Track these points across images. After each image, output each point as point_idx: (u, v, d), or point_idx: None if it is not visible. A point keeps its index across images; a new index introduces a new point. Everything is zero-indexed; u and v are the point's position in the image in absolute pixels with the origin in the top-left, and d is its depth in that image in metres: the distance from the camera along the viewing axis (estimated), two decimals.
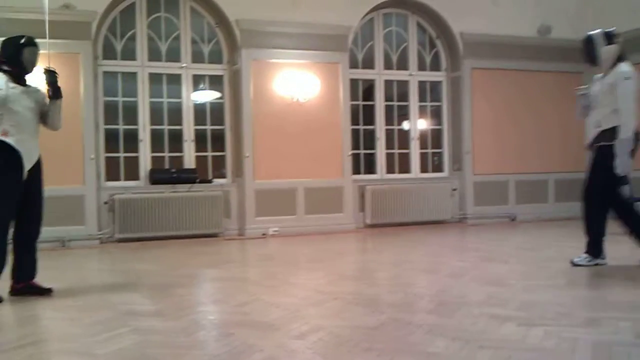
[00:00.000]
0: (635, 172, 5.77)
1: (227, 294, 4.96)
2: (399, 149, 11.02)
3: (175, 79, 9.77)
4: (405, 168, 11.04)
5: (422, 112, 11.25)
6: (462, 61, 10.98)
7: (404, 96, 11.06)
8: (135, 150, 9.50)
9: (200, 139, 9.87)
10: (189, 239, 9.17)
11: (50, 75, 5.11)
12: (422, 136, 11.20)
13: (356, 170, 10.52)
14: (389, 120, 10.95)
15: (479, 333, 3.38)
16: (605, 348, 3.03)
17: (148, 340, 3.39)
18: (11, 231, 4.85)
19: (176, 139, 9.74)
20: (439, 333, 3.39)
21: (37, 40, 5.26)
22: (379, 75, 10.88)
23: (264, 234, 9.55)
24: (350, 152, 10.25)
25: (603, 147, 5.46)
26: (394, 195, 10.47)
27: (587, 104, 5.73)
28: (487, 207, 10.99)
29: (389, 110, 10.93)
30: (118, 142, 9.49)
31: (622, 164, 5.32)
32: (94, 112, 9.02)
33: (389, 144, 10.94)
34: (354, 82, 10.57)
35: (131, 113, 9.52)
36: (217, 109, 10.03)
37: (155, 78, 9.69)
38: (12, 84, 4.83)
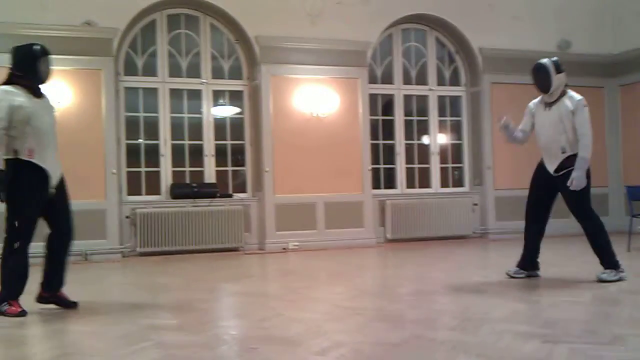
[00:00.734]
0: None
1: (248, 308, 4.95)
2: (419, 163, 11.00)
3: (195, 95, 9.85)
4: (425, 183, 11.00)
5: (441, 126, 11.23)
6: (481, 76, 10.96)
7: (423, 111, 11.05)
8: (157, 164, 9.57)
9: (220, 154, 9.92)
10: (209, 253, 9.19)
11: None
12: (442, 151, 11.16)
13: (376, 185, 10.51)
14: (408, 135, 10.94)
15: (503, 350, 3.35)
16: None
17: (171, 355, 3.40)
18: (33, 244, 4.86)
19: (197, 154, 9.80)
20: (463, 350, 3.35)
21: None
22: (398, 90, 10.88)
23: (284, 249, 9.56)
24: (370, 167, 10.25)
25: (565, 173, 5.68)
26: (414, 210, 10.43)
27: (514, 133, 6.00)
28: (509, 222, 10.88)
29: (408, 125, 10.93)
30: (139, 156, 9.56)
31: (579, 179, 5.57)
32: (116, 127, 9.11)
33: (409, 159, 10.92)
34: (373, 97, 10.58)
35: (152, 128, 9.60)
36: (237, 124, 10.09)
37: (175, 93, 9.77)
38: (33, 99, 4.74)
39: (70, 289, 5.45)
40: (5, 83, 4.73)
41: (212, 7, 9.69)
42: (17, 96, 4.64)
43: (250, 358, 3.33)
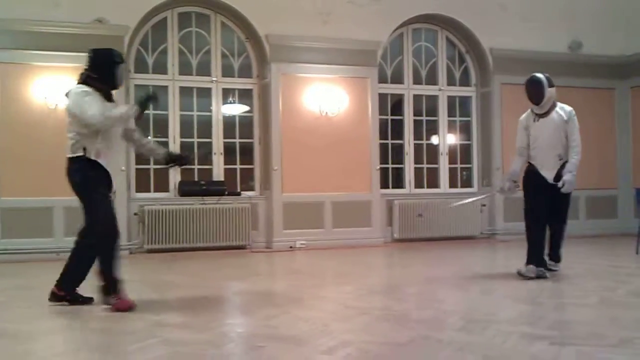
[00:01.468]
0: None
1: (255, 306, 4.96)
2: (428, 163, 10.98)
3: (205, 93, 9.87)
4: (433, 183, 10.98)
5: (451, 127, 11.20)
6: (492, 77, 10.93)
7: (432, 111, 11.02)
8: None
9: (229, 152, 9.94)
10: (216, 250, 9.21)
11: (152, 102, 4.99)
12: (451, 151, 11.14)
13: (384, 185, 10.50)
14: (417, 134, 10.92)
15: (510, 351, 3.34)
16: None
17: (178, 352, 3.41)
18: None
19: (205, 152, 9.82)
20: (469, 351, 3.35)
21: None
22: (408, 90, 10.87)
23: (291, 247, 9.56)
24: (379, 167, 10.24)
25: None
26: (422, 210, 10.41)
27: (511, 185, 6.47)
28: (517, 223, 10.78)
29: (417, 124, 10.91)
30: None
31: (570, 183, 5.91)
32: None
33: (418, 159, 10.90)
34: (382, 97, 10.57)
35: (162, 125, 9.62)
36: (246, 122, 10.10)
37: (185, 91, 9.79)
38: (105, 102, 4.80)
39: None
40: (80, 83, 4.80)
41: (223, 5, 9.70)
42: (91, 95, 4.71)
43: (256, 356, 3.34)
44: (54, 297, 4.89)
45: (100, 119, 4.59)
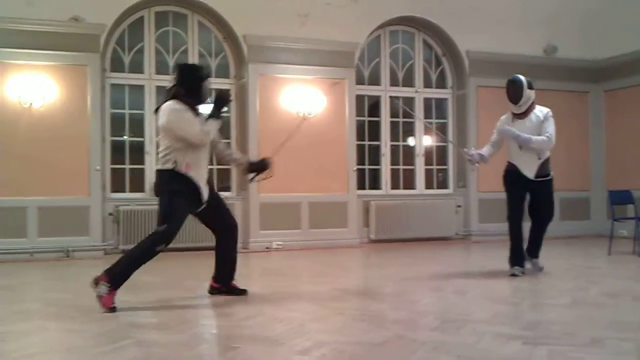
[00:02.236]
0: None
1: (230, 307, 4.94)
2: (404, 165, 11.03)
3: None
4: (410, 184, 11.03)
5: (427, 128, 11.26)
6: (467, 79, 11.01)
7: (409, 113, 11.07)
8: (141, 162, 9.53)
9: None
10: (192, 251, 9.15)
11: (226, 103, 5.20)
12: (427, 153, 11.20)
13: (361, 186, 10.52)
14: (394, 136, 10.96)
15: (484, 351, 3.37)
16: None
17: (151, 353, 3.39)
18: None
19: None
20: (444, 351, 3.37)
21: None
22: (385, 91, 10.91)
23: (267, 248, 9.55)
24: (356, 168, 10.26)
25: (550, 180, 6.47)
26: (399, 211, 10.46)
27: (485, 156, 6.68)
28: (492, 224, 10.92)
29: (394, 126, 10.95)
30: (124, 153, 9.52)
31: (510, 132, 6.35)
32: (101, 123, 9.07)
33: (394, 160, 10.95)
34: (360, 98, 10.60)
35: (138, 125, 9.56)
36: (223, 122, 10.03)
37: (162, 91, 9.70)
38: (198, 118, 4.96)
39: (51, 286, 5.43)
40: (171, 99, 4.94)
41: (201, 5, 9.66)
42: (187, 112, 4.88)
43: (230, 357, 3.33)
44: (212, 289, 5.32)
45: (201, 136, 4.82)
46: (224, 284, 5.33)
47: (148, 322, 4.27)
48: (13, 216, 8.49)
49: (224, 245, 5.33)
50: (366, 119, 10.83)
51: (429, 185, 11.16)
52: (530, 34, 11.28)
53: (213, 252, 5.48)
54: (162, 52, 9.71)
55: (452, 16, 10.84)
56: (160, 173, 4.94)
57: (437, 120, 11.34)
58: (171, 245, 9.08)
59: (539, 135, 6.27)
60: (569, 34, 11.51)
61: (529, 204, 6.57)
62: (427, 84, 11.20)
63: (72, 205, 8.71)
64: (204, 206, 5.03)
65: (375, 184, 10.84)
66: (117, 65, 9.50)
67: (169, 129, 4.83)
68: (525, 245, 6.55)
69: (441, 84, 11.31)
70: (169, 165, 4.83)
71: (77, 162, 8.79)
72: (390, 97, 10.80)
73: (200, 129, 4.83)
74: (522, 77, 6.41)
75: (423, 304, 5.03)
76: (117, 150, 9.47)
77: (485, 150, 6.70)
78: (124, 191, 9.48)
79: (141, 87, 9.57)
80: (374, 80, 10.87)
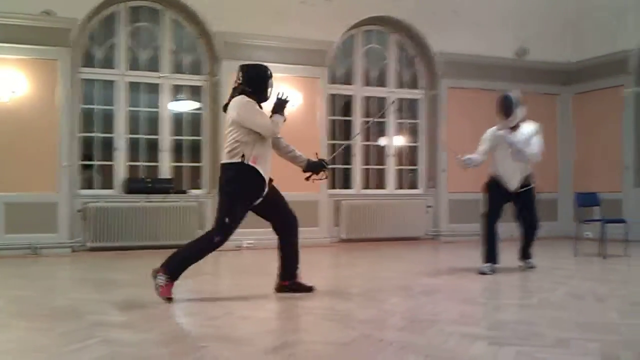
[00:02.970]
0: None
1: (199, 306, 4.93)
2: (376, 164, 11.07)
3: (154, 89, 9.74)
4: (380, 184, 11.08)
5: (399, 129, 11.33)
6: (439, 80, 11.09)
7: (381, 113, 11.10)
8: (111, 158, 9.44)
9: (177, 149, 9.84)
10: (162, 249, 9.04)
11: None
12: (399, 153, 11.26)
13: (332, 185, 10.54)
14: (365, 136, 11.00)
15: (450, 352, 3.40)
16: None
17: (117, 352, 3.36)
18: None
19: (153, 149, 9.69)
20: (410, 351, 3.40)
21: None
22: (358, 91, 10.94)
23: (238, 247, 9.51)
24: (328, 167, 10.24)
25: (532, 189, 6.93)
26: (369, 210, 10.50)
27: (472, 162, 6.77)
28: (461, 224, 11.03)
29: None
30: (93, 150, 9.42)
31: (518, 143, 6.64)
32: (71, 119, 8.96)
33: (366, 160, 10.99)
34: (332, 97, 10.62)
35: (108, 121, 9.46)
36: (195, 119, 10.01)
37: (134, 87, 9.65)
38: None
39: (17, 284, 5.35)
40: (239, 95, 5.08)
41: (174, 2, 9.60)
42: (257, 106, 5.07)
43: (198, 356, 3.31)
44: (281, 288, 5.34)
45: (272, 128, 5.02)
46: (290, 281, 5.37)
47: (116, 320, 4.24)
48: None
49: (286, 242, 5.44)
50: (339, 118, 10.86)
51: (399, 185, 11.22)
52: (502, 37, 11.40)
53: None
54: (134, 48, 9.62)
55: (426, 17, 10.90)
56: (226, 167, 5.05)
57: (409, 121, 11.40)
58: (136, 243, 9.10)
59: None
60: (540, 37, 11.64)
61: (516, 212, 6.97)
62: (400, 84, 11.26)
63: (39, 201, 8.60)
64: (260, 200, 5.16)
65: (346, 183, 10.87)
66: (88, 60, 9.39)
67: (241, 121, 4.96)
68: (500, 247, 6.79)
69: (414, 84, 11.38)
70: (237, 159, 4.96)
71: (46, 158, 8.68)
72: (393, 100, 10.80)
73: (271, 120, 5.02)
74: (514, 95, 6.74)
75: (391, 304, 5.07)
76: (87, 146, 9.37)
77: (475, 157, 6.82)
78: (93, 187, 9.38)
79: (113, 82, 9.48)
80: (347, 79, 10.90)
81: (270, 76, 5.26)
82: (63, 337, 3.72)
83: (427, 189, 11.27)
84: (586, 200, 8.72)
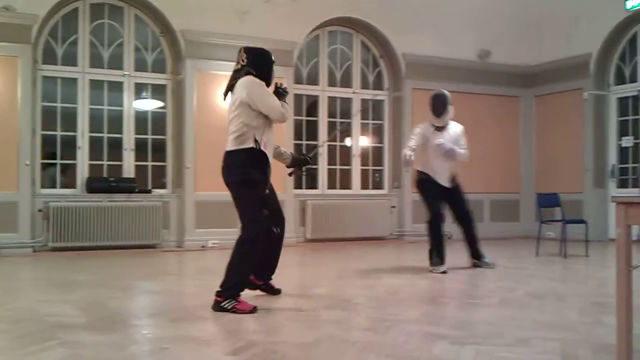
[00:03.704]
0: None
1: (162, 307, 4.89)
2: (341, 165, 11.11)
3: (116, 87, 9.63)
4: (346, 184, 11.12)
5: (364, 129, 11.38)
6: (403, 81, 11.17)
7: (346, 113, 11.16)
8: (73, 157, 9.30)
9: (140, 148, 9.74)
10: (125, 249, 9.00)
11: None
12: (364, 153, 11.31)
13: (298, 185, 10.54)
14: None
15: (412, 351, 3.43)
16: None
17: (76, 354, 3.32)
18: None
19: (116, 147, 9.58)
20: (373, 350, 3.42)
21: None
22: (323, 91, 10.96)
23: (203, 247, 9.46)
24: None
25: (460, 186, 7.18)
26: (335, 210, 10.53)
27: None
28: (424, 224, 11.11)
29: (331, 126, 11.00)
30: (55, 148, 9.27)
31: (452, 149, 6.88)
32: (31, 117, 8.81)
33: (331, 160, 11.01)
34: (298, 98, 10.62)
35: (70, 119, 9.32)
36: (159, 118, 9.92)
37: (96, 85, 9.52)
38: None
39: None
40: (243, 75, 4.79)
41: None
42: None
43: (160, 358, 3.29)
44: (253, 284, 5.05)
45: (282, 111, 4.76)
46: (264, 281, 5.21)
47: (75, 321, 4.18)
48: None
49: (270, 240, 5.07)
50: (304, 118, 10.87)
51: (364, 186, 11.27)
52: (465, 39, 11.53)
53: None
54: (96, 45, 9.50)
55: (390, 19, 10.98)
56: (235, 153, 4.69)
57: (373, 122, 11.46)
58: (99, 243, 8.98)
59: (457, 145, 6.93)
60: (502, 39, 11.81)
61: (452, 214, 7.16)
62: (365, 85, 11.31)
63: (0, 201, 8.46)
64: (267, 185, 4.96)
65: (312, 183, 10.88)
66: (49, 57, 9.23)
67: (251, 102, 4.65)
68: (446, 249, 6.91)
69: (378, 85, 11.44)
70: (249, 144, 4.65)
71: (6, 157, 8.52)
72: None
73: (280, 103, 4.78)
74: (447, 94, 6.90)
75: (355, 304, 5.09)
76: (48, 144, 9.21)
77: (410, 153, 6.84)
78: (54, 187, 9.24)
79: (74, 80, 9.34)
80: (312, 80, 10.91)
81: (274, 61, 5.05)
82: (22, 339, 3.66)
83: (392, 189, 11.34)
84: (547, 200, 8.85)
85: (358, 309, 4.86)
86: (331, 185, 10.99)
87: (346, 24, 11.06)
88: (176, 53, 9.77)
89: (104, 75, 9.55)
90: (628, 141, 10.80)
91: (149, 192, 9.59)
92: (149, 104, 9.96)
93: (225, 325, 4.05)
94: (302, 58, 10.77)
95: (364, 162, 11.30)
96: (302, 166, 5.53)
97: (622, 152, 11.00)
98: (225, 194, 9.94)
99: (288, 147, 10.10)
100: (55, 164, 9.30)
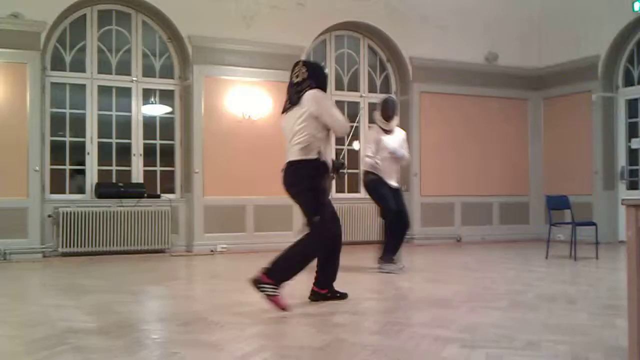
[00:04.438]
0: None
1: (171, 312, 4.90)
2: (348, 168, 11.09)
3: (125, 92, 9.67)
4: (354, 187, 11.11)
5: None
6: (411, 85, 11.17)
7: (354, 117, 11.14)
8: (82, 163, 9.34)
9: (149, 154, 9.77)
10: (135, 254, 9.03)
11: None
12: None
13: (340, 189, 10.57)
14: (338, 140, 10.98)
15: (422, 355, 3.42)
16: None
17: (89, 359, 3.33)
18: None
19: (124, 153, 9.62)
20: (383, 354, 3.41)
21: None
22: (330, 95, 10.95)
23: (212, 251, 9.48)
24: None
25: (401, 190, 7.50)
26: (343, 214, 10.49)
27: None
28: (434, 227, 11.14)
29: None
30: (64, 154, 9.32)
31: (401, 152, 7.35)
32: (40, 123, 8.85)
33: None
34: None
35: (79, 125, 9.36)
36: (167, 123, 9.95)
37: (104, 90, 9.56)
38: None
39: None
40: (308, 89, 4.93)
41: (145, 5, 9.54)
42: None
43: None
44: (316, 295, 5.13)
45: (346, 125, 4.98)
46: (329, 288, 5.19)
47: (86, 326, 4.19)
48: None
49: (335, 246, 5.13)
50: None
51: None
52: (473, 42, 11.53)
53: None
54: (104, 51, 9.54)
55: (397, 23, 10.99)
56: (301, 164, 4.87)
57: None
58: (109, 248, 9.02)
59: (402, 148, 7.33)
60: (510, 42, 11.80)
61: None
62: (372, 88, 11.31)
63: (9, 206, 8.48)
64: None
65: None
66: (58, 64, 9.29)
67: (319, 115, 4.80)
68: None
69: (385, 89, 11.44)
70: (313, 155, 4.81)
71: (16, 163, 8.57)
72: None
73: (344, 117, 4.97)
74: (396, 99, 7.39)
75: (365, 307, 5.08)
76: (57, 150, 9.26)
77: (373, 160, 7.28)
78: (64, 192, 9.28)
79: (83, 86, 9.39)
80: None
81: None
82: (33, 344, 3.67)
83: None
84: (557, 203, 8.82)
85: (367, 312, 4.85)
86: (339, 189, 10.98)
87: (353, 28, 11.07)
88: (183, 58, 9.81)
89: (112, 81, 9.59)
90: (637, 143, 10.75)
91: (158, 197, 9.62)
92: (157, 110, 10.00)
93: (235, 330, 4.05)
94: None
95: None
96: (339, 170, 5.54)
97: (632, 153, 10.95)
98: (234, 198, 10.04)
99: None
100: (64, 170, 9.33)
